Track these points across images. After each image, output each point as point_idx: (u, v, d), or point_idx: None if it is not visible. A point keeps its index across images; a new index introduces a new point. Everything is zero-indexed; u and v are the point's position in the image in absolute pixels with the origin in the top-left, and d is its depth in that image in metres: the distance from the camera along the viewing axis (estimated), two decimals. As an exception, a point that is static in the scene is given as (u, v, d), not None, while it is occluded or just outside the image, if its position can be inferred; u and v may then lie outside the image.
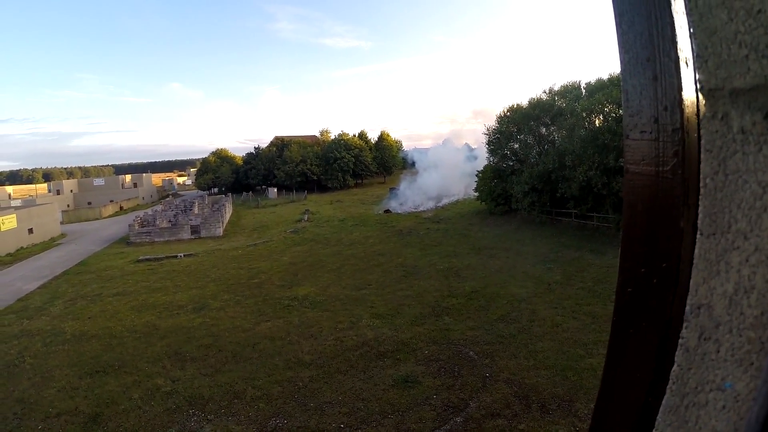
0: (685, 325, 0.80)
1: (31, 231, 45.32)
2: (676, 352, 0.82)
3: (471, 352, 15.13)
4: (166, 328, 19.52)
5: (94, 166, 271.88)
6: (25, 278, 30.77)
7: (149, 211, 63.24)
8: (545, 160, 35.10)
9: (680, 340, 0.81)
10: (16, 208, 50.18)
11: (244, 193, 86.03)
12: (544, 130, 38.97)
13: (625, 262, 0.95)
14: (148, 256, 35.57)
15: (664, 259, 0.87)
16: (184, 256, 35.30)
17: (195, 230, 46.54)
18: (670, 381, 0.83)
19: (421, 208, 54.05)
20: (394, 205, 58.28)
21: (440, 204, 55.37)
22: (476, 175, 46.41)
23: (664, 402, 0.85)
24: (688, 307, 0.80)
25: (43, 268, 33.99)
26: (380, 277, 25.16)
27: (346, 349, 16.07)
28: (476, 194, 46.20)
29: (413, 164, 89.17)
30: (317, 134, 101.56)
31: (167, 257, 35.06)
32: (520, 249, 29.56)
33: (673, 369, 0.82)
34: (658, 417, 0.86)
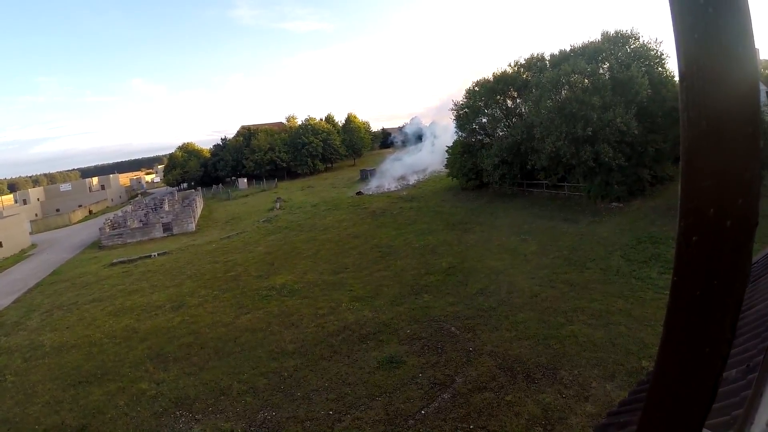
0: None
1: (0, 245, 43.97)
2: None
3: (453, 328, 15.27)
4: (146, 330, 19.26)
5: (60, 172, 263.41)
6: (-2, 294, 29.87)
7: (119, 212, 61.83)
8: (513, 132, 35.32)
9: None
10: (-19, 224, 48.61)
11: (214, 186, 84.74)
12: (510, 102, 39.14)
13: (689, 202, 0.75)
14: (121, 259, 34.87)
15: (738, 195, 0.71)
16: (158, 254, 34.72)
17: (167, 228, 45.76)
18: None
19: (393, 188, 53.95)
20: (365, 186, 58.10)
21: (410, 183, 55.34)
22: (446, 151, 46.47)
23: None
24: None
25: (15, 281, 33.02)
26: (357, 260, 25.16)
27: (328, 334, 16.09)
28: (446, 170, 46.39)
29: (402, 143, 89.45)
30: (284, 121, 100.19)
31: (141, 258, 34.44)
32: (493, 222, 29.83)
33: None
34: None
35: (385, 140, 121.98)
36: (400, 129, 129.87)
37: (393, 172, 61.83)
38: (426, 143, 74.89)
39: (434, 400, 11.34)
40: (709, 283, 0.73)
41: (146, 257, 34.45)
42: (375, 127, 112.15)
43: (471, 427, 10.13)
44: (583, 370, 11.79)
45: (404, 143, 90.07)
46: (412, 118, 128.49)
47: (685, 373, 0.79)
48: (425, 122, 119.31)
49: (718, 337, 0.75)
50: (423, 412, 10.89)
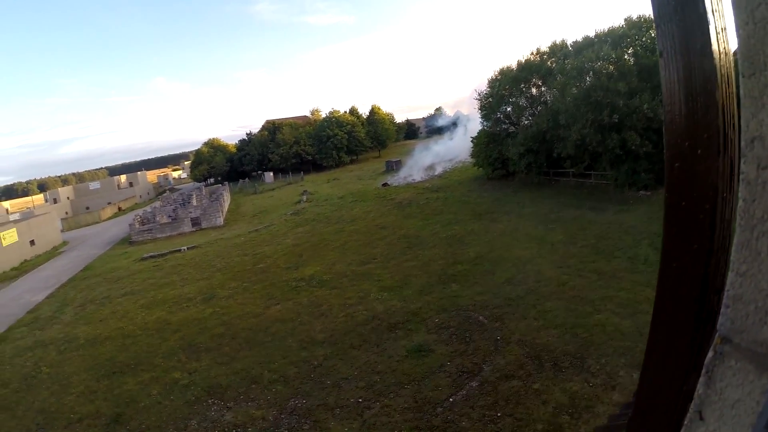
0: (742, 160, 0.88)
1: (32, 243, 45.29)
2: (739, 188, 0.90)
3: (480, 317, 15.30)
4: (178, 321, 19.71)
5: (88, 171, 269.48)
6: (33, 290, 30.83)
7: (148, 208, 63.16)
8: (539, 121, 34.92)
9: (741, 176, 0.89)
10: (15, 221, 50.04)
11: (241, 180, 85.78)
12: (534, 90, 38.67)
13: (671, 137, 1.09)
14: (152, 253, 35.66)
15: (705, 130, 1.00)
16: (188, 248, 35.40)
17: (195, 222, 46.57)
18: (738, 217, 0.90)
19: (419, 178, 53.88)
20: (391, 178, 58.12)
21: (436, 173, 55.15)
22: (471, 141, 46.19)
23: (735, 240, 0.92)
24: (743, 143, 0.88)
25: (48, 277, 34.08)
26: (384, 250, 25.28)
27: (358, 324, 16.27)
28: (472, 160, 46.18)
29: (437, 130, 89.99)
30: (308, 114, 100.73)
31: (171, 252, 35.16)
32: (520, 211, 29.61)
33: (738, 205, 0.90)
34: (731, 256, 0.93)
35: (410, 131, 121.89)
36: (424, 120, 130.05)
37: (419, 163, 61.73)
38: (451, 133, 74.71)
39: (462, 388, 11.41)
40: (689, 194, 1.03)
41: (176, 251, 35.14)
42: (399, 118, 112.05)
43: (499, 414, 10.19)
44: (610, 359, 11.71)
45: (429, 134, 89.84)
46: (436, 109, 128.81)
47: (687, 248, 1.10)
48: (450, 112, 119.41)
49: (701, 231, 1.04)
50: (451, 399, 10.99)
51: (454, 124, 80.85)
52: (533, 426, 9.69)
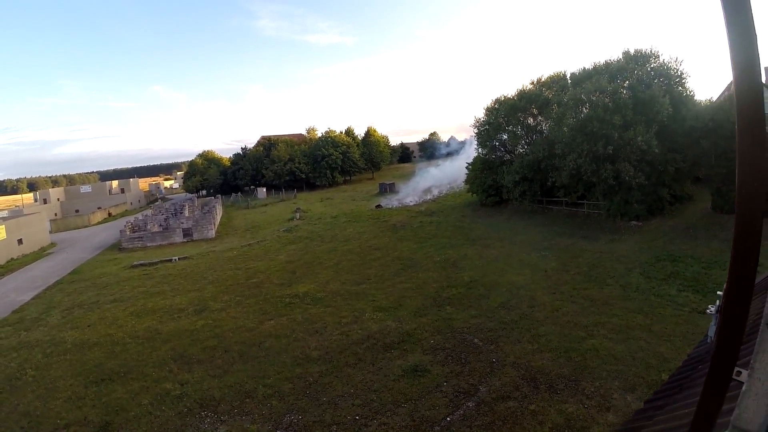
0: None
1: (20, 242, 44.89)
2: None
3: (476, 340, 15.41)
4: (169, 331, 19.49)
5: (79, 174, 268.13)
6: (19, 289, 30.48)
7: (139, 215, 62.82)
8: (534, 149, 35.50)
9: None
10: (4, 218, 49.64)
11: (233, 194, 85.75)
12: (531, 120, 39.35)
13: None
14: (142, 261, 35.45)
15: None
16: (179, 259, 35.25)
17: (187, 233, 46.43)
18: None
19: (412, 202, 54.29)
20: (384, 200, 58.47)
21: (429, 197, 55.56)
22: (466, 167, 46.73)
23: None
24: None
25: (35, 278, 33.72)
26: (378, 271, 25.36)
27: (353, 342, 16.27)
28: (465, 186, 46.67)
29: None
30: (304, 132, 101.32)
31: (162, 261, 34.98)
32: (513, 238, 29.91)
33: None
34: None
35: (404, 154, 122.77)
36: (418, 144, 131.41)
37: (413, 187, 62.27)
38: (446, 159, 75.85)
39: (459, 407, 11.48)
40: None
41: (167, 261, 34.99)
42: (393, 141, 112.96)
43: (496, 434, 10.27)
44: (604, 382, 11.93)
45: (423, 158, 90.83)
46: (431, 134, 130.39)
47: None
48: (443, 138, 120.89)
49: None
50: (448, 419, 11.03)
51: (436, 153, 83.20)
52: (531, 447, 9.78)
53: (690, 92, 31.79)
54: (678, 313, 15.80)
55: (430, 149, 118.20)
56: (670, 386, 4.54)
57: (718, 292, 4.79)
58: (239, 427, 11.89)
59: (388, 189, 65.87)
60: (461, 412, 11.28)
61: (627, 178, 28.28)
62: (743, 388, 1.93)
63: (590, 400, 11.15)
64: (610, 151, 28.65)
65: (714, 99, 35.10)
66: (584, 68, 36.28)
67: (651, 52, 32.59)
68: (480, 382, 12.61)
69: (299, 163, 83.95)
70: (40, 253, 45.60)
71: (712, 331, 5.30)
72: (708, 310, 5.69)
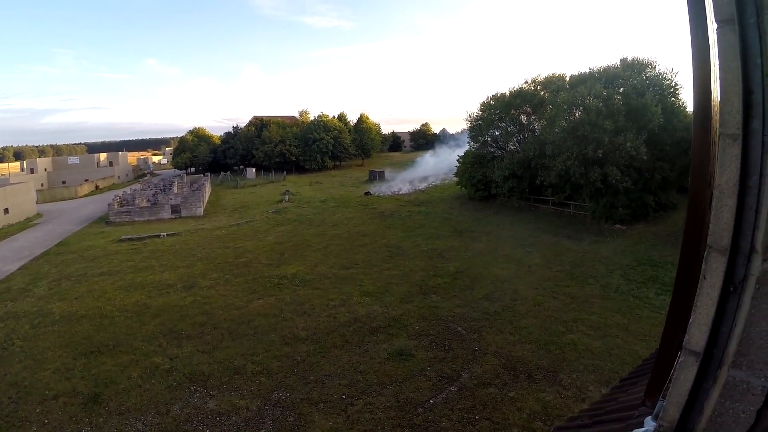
0: None
1: (6, 211, 44.39)
2: None
3: (459, 328, 15.95)
4: (158, 306, 19.68)
5: (67, 144, 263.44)
6: (5, 259, 30.08)
7: (127, 189, 62.47)
8: (526, 148, 36.05)
9: None
10: (-9, 186, 49.10)
11: (222, 173, 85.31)
12: (524, 118, 39.85)
13: None
14: (130, 236, 35.46)
15: None
16: (167, 235, 35.33)
17: (175, 210, 46.39)
18: None
19: (401, 191, 54.72)
20: (374, 187, 58.82)
21: (418, 188, 56.03)
22: (457, 161, 47.19)
23: None
24: None
25: (22, 248, 33.37)
26: (366, 257, 25.80)
27: (340, 325, 16.72)
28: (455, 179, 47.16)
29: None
30: (296, 115, 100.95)
31: (150, 237, 35.03)
32: (500, 233, 30.48)
33: None
34: None
35: (395, 143, 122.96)
36: (410, 134, 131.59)
37: (402, 176, 62.66)
38: (436, 151, 76.29)
39: (442, 391, 12.01)
40: None
41: (155, 236, 35.05)
42: (385, 129, 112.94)
43: (477, 417, 10.81)
44: (581, 374, 12.55)
45: (413, 148, 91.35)
46: (422, 124, 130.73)
47: None
48: (435, 130, 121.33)
49: None
50: (432, 401, 11.56)
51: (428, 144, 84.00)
52: (509, 429, 10.35)
53: (683, 104, 32.51)
54: (654, 315, 16.45)
55: (422, 140, 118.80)
56: (637, 373, 4.96)
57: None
58: (228, 402, 12.23)
59: (377, 177, 66.14)
60: (444, 395, 11.81)
61: (614, 181, 28.95)
62: None
63: (567, 391, 11.75)
64: (600, 155, 29.25)
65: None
66: (582, 72, 36.90)
67: (648, 61, 33.21)
68: (462, 369, 13.15)
69: (290, 146, 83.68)
70: (27, 224, 45.07)
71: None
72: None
